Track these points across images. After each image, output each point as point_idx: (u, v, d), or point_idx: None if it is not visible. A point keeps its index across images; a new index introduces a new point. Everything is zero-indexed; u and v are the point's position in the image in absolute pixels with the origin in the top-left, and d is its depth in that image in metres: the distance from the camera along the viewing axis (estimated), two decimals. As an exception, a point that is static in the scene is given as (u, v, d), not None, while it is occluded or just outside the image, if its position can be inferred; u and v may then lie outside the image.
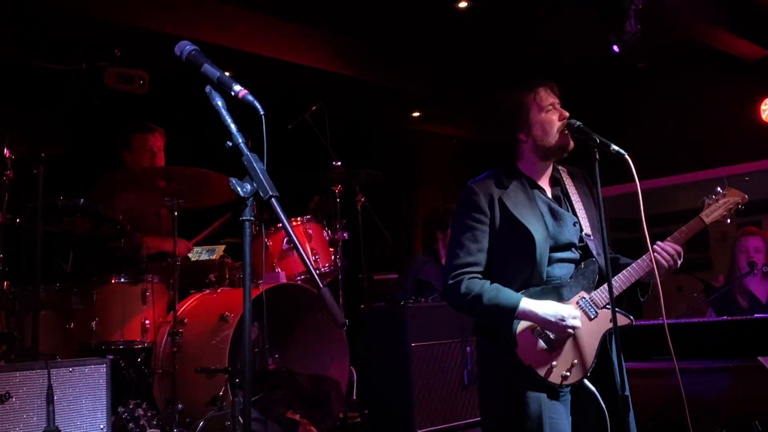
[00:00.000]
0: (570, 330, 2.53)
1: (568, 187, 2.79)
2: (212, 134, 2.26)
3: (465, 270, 2.61)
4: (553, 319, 2.52)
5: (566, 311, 2.54)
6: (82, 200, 3.91)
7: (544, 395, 2.52)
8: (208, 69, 2.05)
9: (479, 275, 2.63)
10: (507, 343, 2.56)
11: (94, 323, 4.03)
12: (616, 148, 2.54)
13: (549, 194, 2.75)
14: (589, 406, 2.58)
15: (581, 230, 2.70)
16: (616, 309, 2.51)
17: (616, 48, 5.23)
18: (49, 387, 2.92)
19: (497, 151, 2.79)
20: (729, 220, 2.76)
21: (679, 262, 2.68)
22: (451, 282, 2.62)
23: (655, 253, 2.63)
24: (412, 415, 4.19)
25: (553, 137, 2.67)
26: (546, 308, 2.54)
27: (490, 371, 2.68)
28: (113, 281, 4.14)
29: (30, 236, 3.56)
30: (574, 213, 2.72)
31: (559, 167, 2.83)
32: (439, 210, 5.34)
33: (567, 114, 2.69)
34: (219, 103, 2.01)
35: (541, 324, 2.54)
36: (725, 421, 3.74)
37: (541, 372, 2.53)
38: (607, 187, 2.53)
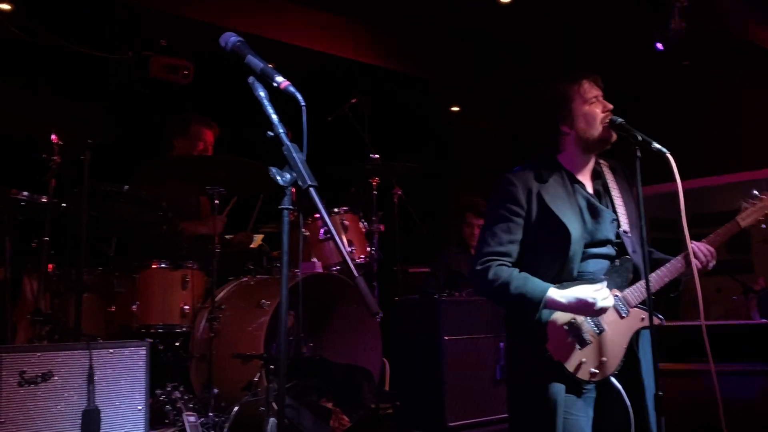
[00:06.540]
0: (601, 310, 2.48)
1: (609, 182, 2.76)
2: (253, 124, 2.29)
3: (494, 258, 2.59)
4: (581, 303, 2.47)
5: (595, 293, 2.47)
6: (126, 186, 3.99)
7: (563, 391, 2.51)
8: (252, 60, 2.07)
9: (509, 264, 2.60)
10: (536, 336, 2.54)
11: (134, 306, 4.10)
12: (657, 146, 2.50)
13: (589, 189, 2.72)
14: (614, 403, 2.56)
15: (619, 227, 2.67)
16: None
17: (659, 45, 5.17)
18: (90, 367, 2.99)
19: (536, 144, 2.77)
20: (764, 225, 2.72)
21: (712, 264, 2.65)
22: (479, 267, 2.59)
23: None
24: (443, 408, 4.21)
25: (597, 130, 2.64)
26: (571, 293, 2.48)
27: (517, 363, 2.67)
28: (154, 266, 4.20)
29: (75, 220, 3.64)
30: (614, 209, 2.69)
31: (601, 161, 2.79)
32: (460, 204, 5.53)
33: (611, 106, 2.65)
34: (261, 93, 2.02)
35: (570, 310, 2.50)
36: (762, 424, 3.69)
37: (570, 367, 2.51)
38: (648, 186, 2.50)
